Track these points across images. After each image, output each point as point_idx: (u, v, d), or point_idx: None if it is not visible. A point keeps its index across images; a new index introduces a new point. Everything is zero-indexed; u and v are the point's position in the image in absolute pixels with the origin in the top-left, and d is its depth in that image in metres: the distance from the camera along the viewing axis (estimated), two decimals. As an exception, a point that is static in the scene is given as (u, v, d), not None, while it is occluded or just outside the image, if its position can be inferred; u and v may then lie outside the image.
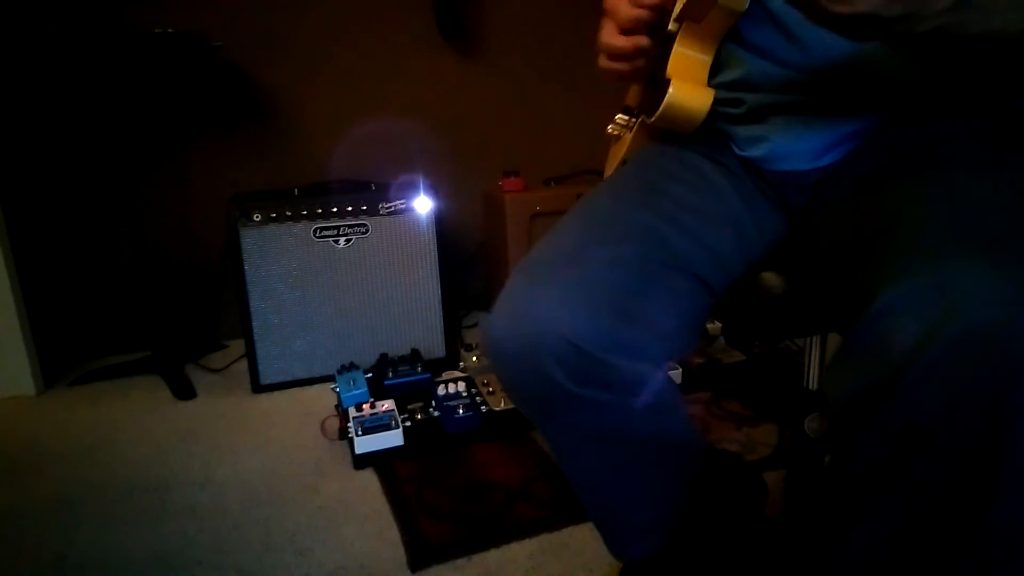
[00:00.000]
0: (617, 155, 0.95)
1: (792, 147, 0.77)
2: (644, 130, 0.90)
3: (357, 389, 1.52)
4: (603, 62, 0.86)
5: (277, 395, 1.74)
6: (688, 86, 0.77)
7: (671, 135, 0.86)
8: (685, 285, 0.76)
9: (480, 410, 1.46)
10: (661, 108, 0.77)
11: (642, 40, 0.81)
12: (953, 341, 0.47)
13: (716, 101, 0.79)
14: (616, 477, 0.86)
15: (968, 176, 0.60)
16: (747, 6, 0.69)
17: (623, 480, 0.86)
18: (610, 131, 0.97)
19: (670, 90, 0.77)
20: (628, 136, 0.93)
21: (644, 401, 0.78)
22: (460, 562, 1.09)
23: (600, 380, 0.73)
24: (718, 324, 1.83)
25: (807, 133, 0.76)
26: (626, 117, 0.94)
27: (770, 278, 0.83)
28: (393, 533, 1.17)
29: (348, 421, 1.41)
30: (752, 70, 0.76)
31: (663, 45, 0.81)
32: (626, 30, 0.81)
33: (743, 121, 0.80)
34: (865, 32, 0.57)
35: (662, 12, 0.80)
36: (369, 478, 1.34)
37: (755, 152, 0.80)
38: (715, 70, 0.79)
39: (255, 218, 1.68)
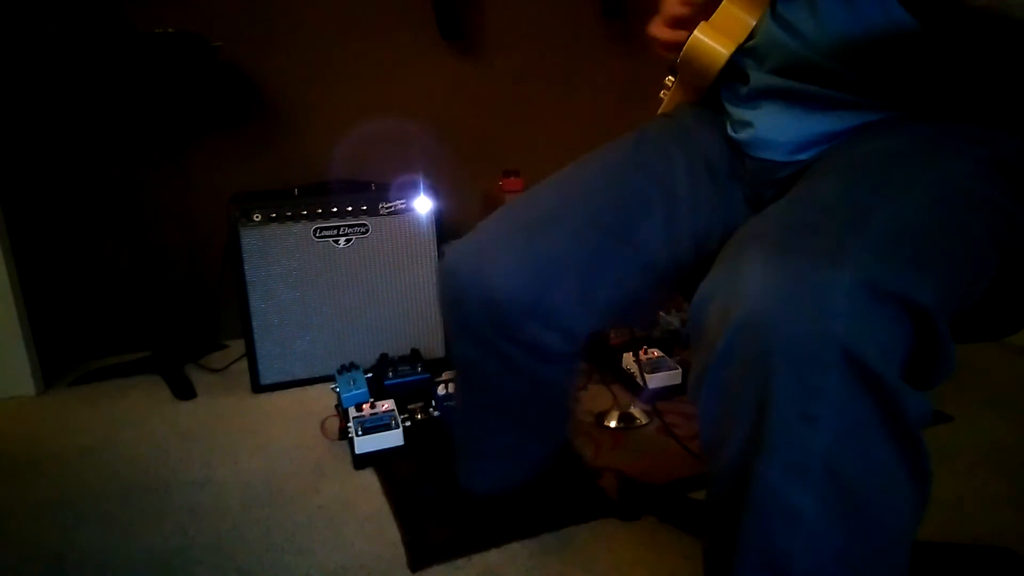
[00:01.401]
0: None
1: (772, 137, 0.79)
2: (684, 85, 0.95)
3: (357, 389, 1.51)
4: (654, 47, 0.92)
5: (277, 395, 1.74)
6: (708, 39, 0.81)
7: (706, 99, 0.91)
8: (630, 268, 0.84)
9: (480, 410, 1.46)
10: (684, 51, 0.82)
11: (681, 36, 0.85)
12: (737, 327, 0.51)
13: (729, 75, 0.82)
14: (487, 423, 1.02)
15: (832, 177, 0.63)
16: None
17: (493, 428, 1.02)
18: (661, 95, 1.02)
19: (690, 38, 0.81)
20: (669, 94, 0.99)
21: (543, 374, 0.92)
22: (460, 562, 1.09)
23: (513, 335, 0.85)
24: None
25: (788, 126, 0.77)
26: (673, 78, 0.99)
27: None
28: (393, 533, 1.17)
29: (348, 421, 1.41)
30: (769, 38, 0.78)
31: None
32: (673, 23, 0.86)
33: (742, 101, 0.83)
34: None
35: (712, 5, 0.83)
36: (369, 478, 1.34)
37: (742, 135, 0.82)
38: (749, 37, 0.81)
39: (255, 218, 1.68)
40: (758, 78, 0.80)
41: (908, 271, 0.50)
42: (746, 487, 0.51)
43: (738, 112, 0.83)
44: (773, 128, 0.78)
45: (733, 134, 0.84)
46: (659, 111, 0.99)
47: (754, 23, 0.80)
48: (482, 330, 0.86)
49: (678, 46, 0.85)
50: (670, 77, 1.00)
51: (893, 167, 0.63)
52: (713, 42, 0.81)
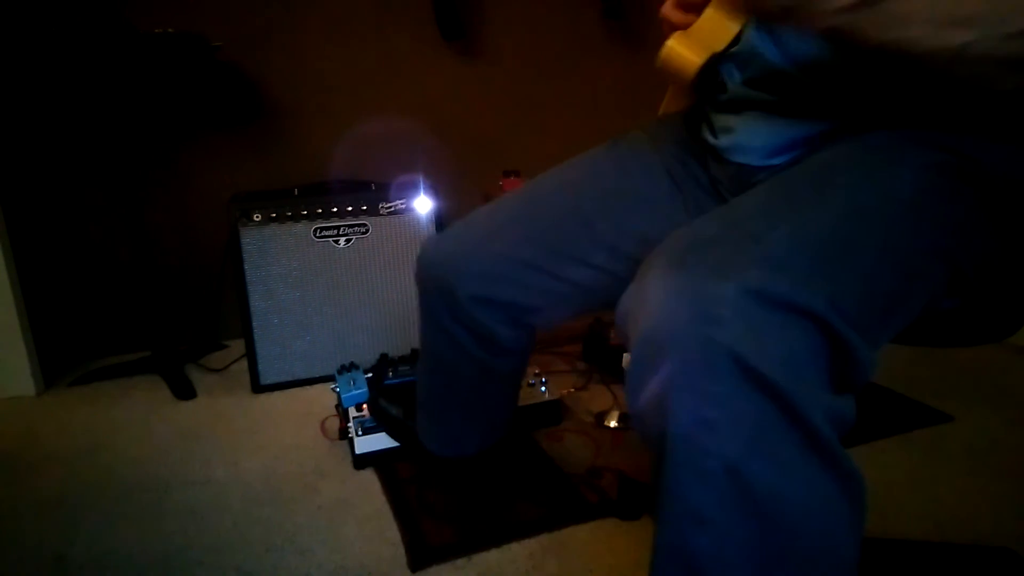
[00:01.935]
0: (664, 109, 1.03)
1: (749, 141, 0.80)
2: (672, 86, 0.97)
3: (357, 389, 1.51)
4: (666, 29, 0.92)
5: (277, 395, 1.74)
6: (681, 47, 0.82)
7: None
8: (591, 276, 0.90)
9: (480, 410, 1.46)
10: (659, 58, 0.84)
11: (692, 20, 0.84)
12: (640, 341, 0.53)
13: (712, 80, 0.83)
14: (439, 398, 1.16)
15: (762, 190, 0.65)
16: None
17: (443, 403, 1.16)
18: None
19: (668, 43, 0.82)
20: (667, 95, 0.99)
21: (491, 364, 1.04)
22: (460, 562, 1.09)
23: (466, 323, 0.97)
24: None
25: (765, 131, 0.79)
26: None
27: None
28: (393, 533, 1.17)
29: (348, 421, 1.41)
30: (750, 46, 0.78)
31: None
32: (684, 5, 0.86)
33: (723, 109, 0.84)
34: (767, 17, 0.63)
35: None
36: (369, 478, 1.34)
37: (723, 141, 0.84)
38: (736, 41, 0.81)
39: (255, 218, 1.68)
40: (737, 89, 0.81)
41: (798, 280, 0.52)
42: (659, 490, 0.53)
43: (721, 118, 0.85)
44: (751, 133, 0.80)
45: (713, 140, 0.85)
46: (661, 109, 1.00)
47: (737, 28, 0.80)
48: (440, 313, 0.99)
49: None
50: None
51: (818, 179, 0.65)
52: (686, 50, 0.81)
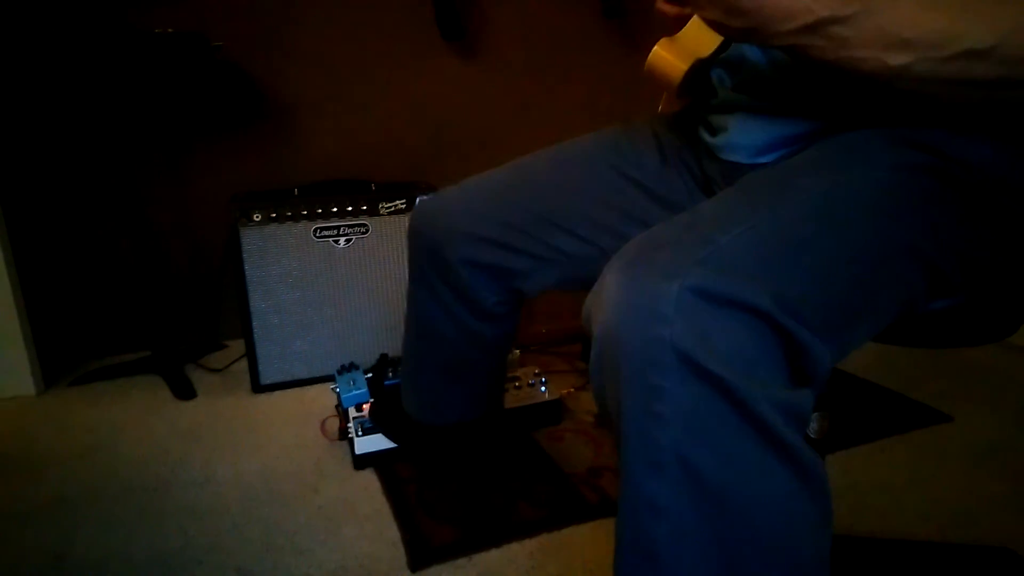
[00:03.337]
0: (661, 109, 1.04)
1: (740, 140, 0.82)
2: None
3: (357, 389, 1.51)
4: (659, 15, 0.93)
5: (277, 395, 1.74)
6: (667, 54, 0.83)
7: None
8: (577, 245, 0.94)
9: (480, 410, 1.46)
10: (646, 64, 0.84)
11: (688, 11, 0.85)
12: (597, 338, 0.56)
13: (703, 84, 0.85)
14: (422, 362, 1.18)
15: (729, 191, 0.67)
16: None
17: (425, 368, 1.18)
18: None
19: (652, 53, 0.83)
20: (665, 94, 1.00)
21: (476, 329, 1.07)
22: (460, 562, 1.09)
23: (451, 281, 1.01)
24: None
25: (755, 129, 0.80)
26: None
27: None
28: (393, 533, 1.17)
29: (348, 421, 1.41)
30: (739, 51, 0.80)
31: None
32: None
33: (716, 110, 0.86)
34: (731, 37, 0.66)
35: None
36: (369, 478, 1.34)
37: (717, 140, 0.85)
38: (726, 46, 0.82)
39: (255, 218, 1.68)
40: (725, 94, 0.83)
41: (741, 277, 0.53)
42: (620, 481, 0.56)
43: (715, 118, 0.86)
44: (743, 132, 0.82)
45: (709, 139, 0.87)
46: (660, 109, 1.01)
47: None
48: (428, 272, 1.03)
49: (683, 22, 0.86)
50: None
51: (780, 179, 0.66)
52: (672, 57, 0.82)
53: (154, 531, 1.20)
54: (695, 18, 0.81)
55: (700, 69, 0.82)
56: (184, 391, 1.75)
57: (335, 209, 1.73)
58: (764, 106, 0.79)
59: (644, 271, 0.54)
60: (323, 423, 1.55)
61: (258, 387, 1.75)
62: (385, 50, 2.07)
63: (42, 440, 1.55)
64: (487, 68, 2.20)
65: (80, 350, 1.97)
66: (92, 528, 1.22)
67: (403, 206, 1.78)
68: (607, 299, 0.55)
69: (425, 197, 1.02)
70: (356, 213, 1.75)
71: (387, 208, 1.77)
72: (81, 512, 1.27)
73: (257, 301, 1.71)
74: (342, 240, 1.75)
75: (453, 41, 2.12)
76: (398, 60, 2.09)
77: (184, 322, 2.02)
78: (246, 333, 1.73)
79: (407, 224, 1.08)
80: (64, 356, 1.92)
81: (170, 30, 1.60)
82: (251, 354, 1.74)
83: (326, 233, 1.74)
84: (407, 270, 1.12)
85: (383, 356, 1.70)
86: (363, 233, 1.76)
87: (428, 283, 1.05)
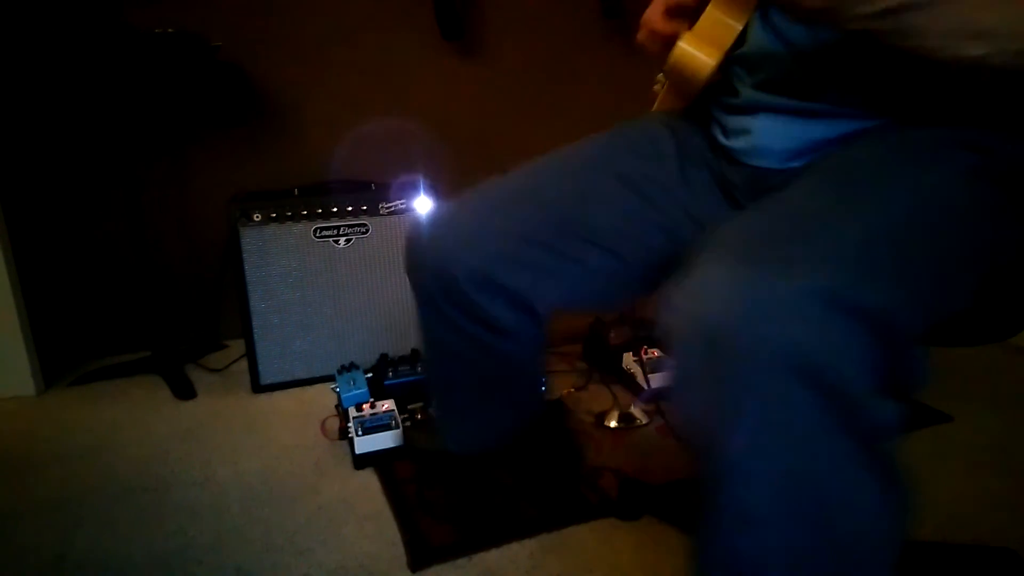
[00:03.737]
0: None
1: (768, 144, 0.79)
2: (672, 91, 0.94)
3: (357, 389, 1.51)
4: (641, 36, 0.91)
5: (277, 395, 1.74)
6: (693, 48, 0.79)
7: (694, 103, 0.91)
8: (596, 258, 0.86)
9: (480, 410, 1.46)
10: (669, 62, 0.81)
11: (682, 28, 0.84)
12: (693, 337, 0.52)
13: (717, 86, 0.81)
14: (451, 391, 1.06)
15: (805, 186, 0.65)
16: None
17: (459, 397, 1.06)
18: (655, 90, 1.01)
19: (679, 44, 0.79)
20: (659, 97, 0.97)
21: (503, 347, 0.94)
22: (460, 562, 1.09)
23: (468, 311, 0.89)
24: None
25: (783, 134, 0.78)
26: (663, 79, 0.98)
27: None
28: (393, 533, 1.17)
29: (348, 421, 1.41)
30: (759, 47, 0.78)
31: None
32: (671, 11, 0.85)
33: (736, 111, 0.83)
34: (800, 18, 0.64)
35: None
36: (369, 478, 1.34)
37: (738, 143, 0.82)
38: (740, 42, 0.80)
39: (255, 218, 1.68)
40: (748, 93, 0.80)
41: (866, 282, 0.51)
42: (706, 489, 0.54)
43: (733, 120, 0.83)
44: (769, 136, 0.78)
45: (725, 141, 0.84)
46: (653, 109, 0.99)
47: (740, 28, 0.79)
48: (435, 297, 0.91)
49: (671, 40, 0.84)
50: (660, 75, 0.98)
51: (865, 176, 0.64)
52: (698, 51, 0.79)
53: (154, 531, 1.20)
54: (710, 9, 0.79)
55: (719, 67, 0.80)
56: (184, 391, 1.75)
57: (335, 209, 1.73)
58: (792, 105, 0.76)
59: (761, 269, 0.51)
60: (323, 423, 1.55)
61: (258, 387, 1.75)
62: (385, 50, 2.07)
63: (42, 440, 1.55)
64: (487, 68, 2.20)
65: (80, 350, 1.97)
66: (92, 528, 1.22)
67: (403, 206, 1.78)
68: (710, 294, 0.52)
69: (423, 222, 0.94)
70: (356, 213, 1.75)
71: (387, 208, 1.77)
72: (81, 512, 1.27)
73: (257, 301, 1.71)
74: (342, 240, 1.75)
75: (453, 41, 2.12)
76: (398, 60, 2.09)
77: (184, 322, 2.02)
78: (246, 333, 1.73)
79: (405, 253, 0.95)
80: (64, 356, 1.92)
81: (170, 30, 1.60)
82: (251, 354, 1.74)
83: (326, 233, 1.74)
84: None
85: (383, 356, 1.70)
86: (363, 233, 1.76)
87: (441, 312, 0.92)
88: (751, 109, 0.80)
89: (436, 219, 0.93)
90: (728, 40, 0.79)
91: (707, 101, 0.88)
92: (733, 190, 0.85)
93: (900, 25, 0.57)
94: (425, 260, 0.91)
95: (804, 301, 0.49)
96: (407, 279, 0.96)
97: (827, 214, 0.58)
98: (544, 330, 0.98)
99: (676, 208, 0.86)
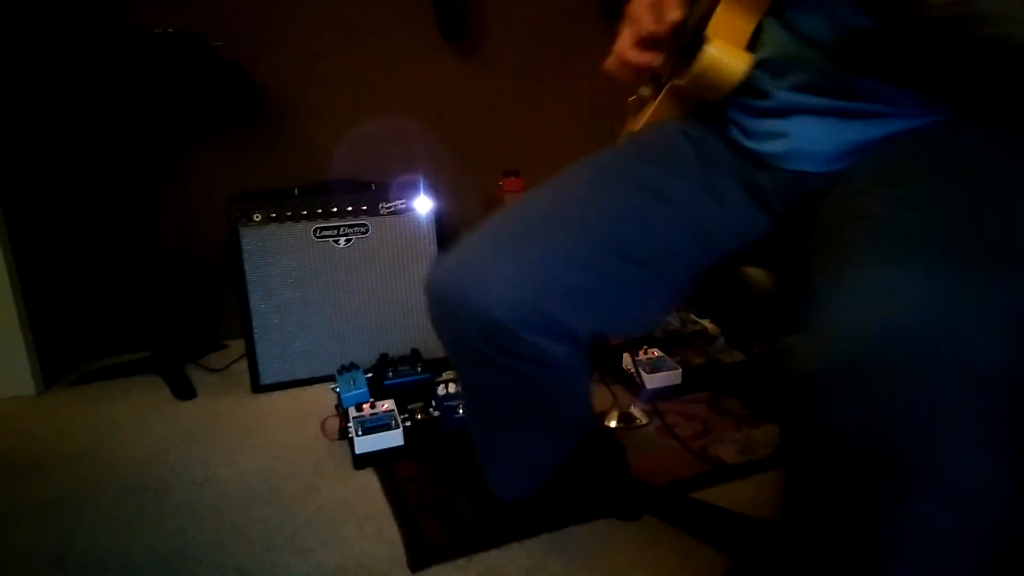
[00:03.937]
0: (636, 124, 0.95)
1: (808, 148, 0.77)
2: (674, 97, 0.90)
3: (357, 389, 1.51)
4: (611, 64, 0.88)
5: (277, 395, 1.74)
6: (727, 47, 0.77)
7: (698, 106, 0.88)
8: (636, 275, 0.82)
9: (480, 410, 1.46)
10: (698, 67, 0.77)
11: (656, 60, 0.83)
12: (851, 338, 0.50)
13: (741, 90, 0.79)
14: (507, 431, 0.99)
15: (936, 185, 0.62)
16: None
17: (512, 435, 1.00)
18: (630, 101, 0.98)
19: (709, 49, 0.76)
20: (651, 105, 0.93)
21: (552, 377, 0.87)
22: (460, 562, 1.09)
23: (514, 351, 0.81)
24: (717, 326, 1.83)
25: (825, 137, 0.76)
26: (649, 88, 0.94)
27: (754, 273, 0.84)
28: (393, 533, 1.17)
29: (348, 421, 1.41)
30: (784, 51, 0.76)
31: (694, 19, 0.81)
32: (644, 42, 0.83)
33: (765, 115, 0.80)
34: (870, 10, 0.62)
35: (681, 28, 0.81)
36: (369, 478, 1.34)
37: (771, 147, 0.80)
38: (751, 47, 0.79)
39: (255, 218, 1.68)
40: (784, 96, 0.77)
41: None
42: (896, 500, 0.51)
43: (760, 123, 0.81)
44: (809, 139, 0.76)
45: (752, 144, 0.82)
46: (645, 121, 0.94)
47: (752, 29, 0.78)
48: (480, 348, 0.83)
49: (646, 71, 0.83)
50: (644, 88, 0.95)
51: (984, 172, 0.62)
52: (730, 58, 0.77)
53: (154, 531, 1.20)
54: (720, 10, 0.77)
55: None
56: (184, 391, 1.75)
57: (335, 209, 1.73)
58: (835, 107, 0.74)
59: (961, 272, 0.49)
60: (323, 423, 1.55)
61: (258, 387, 1.75)
62: (385, 50, 2.07)
63: (42, 440, 1.55)
64: (487, 68, 2.20)
65: (80, 350, 1.97)
66: (92, 528, 1.22)
67: (403, 206, 1.78)
68: (904, 298, 0.49)
69: (441, 261, 0.86)
70: (356, 213, 1.75)
71: (387, 208, 1.77)
72: (81, 512, 1.27)
73: (257, 301, 1.71)
74: (342, 240, 1.75)
75: (453, 41, 2.12)
76: (398, 60, 2.09)
77: (184, 322, 2.02)
78: (246, 333, 1.73)
79: (427, 297, 0.87)
80: (64, 356, 1.92)
81: (170, 30, 1.60)
82: (251, 354, 1.74)
83: (326, 233, 1.74)
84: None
85: (383, 356, 1.70)
86: (363, 233, 1.76)
87: (487, 360, 0.84)
88: (784, 112, 0.78)
89: (458, 256, 0.84)
90: (745, 42, 0.78)
91: (719, 104, 0.86)
92: (762, 193, 0.83)
93: (976, 10, 0.57)
94: (459, 308, 0.81)
95: (992, 311, 0.47)
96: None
97: (973, 216, 0.57)
98: (588, 356, 0.91)
99: (704, 214, 0.84)
